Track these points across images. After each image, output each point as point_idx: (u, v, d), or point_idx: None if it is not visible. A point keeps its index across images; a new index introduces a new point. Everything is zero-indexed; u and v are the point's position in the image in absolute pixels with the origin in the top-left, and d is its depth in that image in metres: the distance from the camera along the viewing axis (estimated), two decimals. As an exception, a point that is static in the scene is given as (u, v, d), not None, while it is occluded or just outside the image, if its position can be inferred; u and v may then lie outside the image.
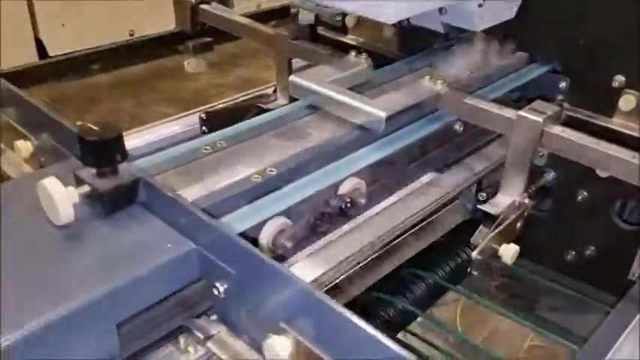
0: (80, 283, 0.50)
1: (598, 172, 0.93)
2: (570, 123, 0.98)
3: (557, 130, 0.72)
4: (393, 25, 1.12)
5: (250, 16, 1.20)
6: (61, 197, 0.54)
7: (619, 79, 0.93)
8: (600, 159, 0.70)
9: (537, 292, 1.12)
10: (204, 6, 1.11)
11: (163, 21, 1.36)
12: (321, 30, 1.28)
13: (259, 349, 0.51)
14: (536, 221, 1.09)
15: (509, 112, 0.74)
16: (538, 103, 0.74)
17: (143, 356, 0.55)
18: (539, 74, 1.00)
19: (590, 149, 0.70)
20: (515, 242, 1.13)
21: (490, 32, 0.99)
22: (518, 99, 1.06)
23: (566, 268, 1.08)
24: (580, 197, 1.02)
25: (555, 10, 0.97)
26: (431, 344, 0.90)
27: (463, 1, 0.87)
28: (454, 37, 1.02)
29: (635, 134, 0.93)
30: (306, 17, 1.33)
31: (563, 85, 1.00)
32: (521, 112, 0.73)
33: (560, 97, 1.01)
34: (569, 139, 0.71)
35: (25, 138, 0.77)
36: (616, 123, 0.95)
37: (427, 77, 0.83)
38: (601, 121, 0.96)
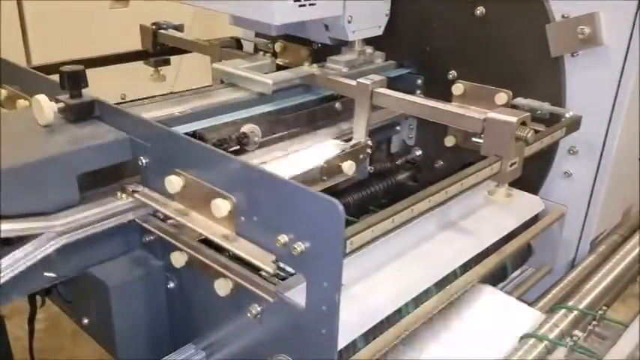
0: (54, 147, 0.83)
1: (445, 142, 1.30)
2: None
3: (382, 90, 1.08)
4: (307, 48, 1.50)
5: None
6: (47, 105, 0.88)
7: (452, 74, 1.31)
8: (405, 105, 1.06)
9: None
10: (162, 31, 1.49)
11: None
12: (257, 56, 1.67)
13: (165, 194, 0.84)
14: (411, 190, 1.45)
15: (353, 82, 1.11)
16: (373, 75, 1.11)
17: (92, 202, 0.87)
18: (402, 74, 1.38)
19: (402, 101, 1.06)
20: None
21: (368, 44, 1.38)
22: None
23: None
24: (437, 165, 1.38)
25: (409, 29, 1.35)
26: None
27: (336, 16, 1.24)
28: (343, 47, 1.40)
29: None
30: (247, 46, 1.73)
31: (419, 82, 1.38)
32: (359, 80, 1.09)
33: (418, 91, 1.38)
34: (389, 95, 1.07)
35: (25, 99, 1.12)
36: (453, 105, 1.32)
37: (307, 64, 1.20)
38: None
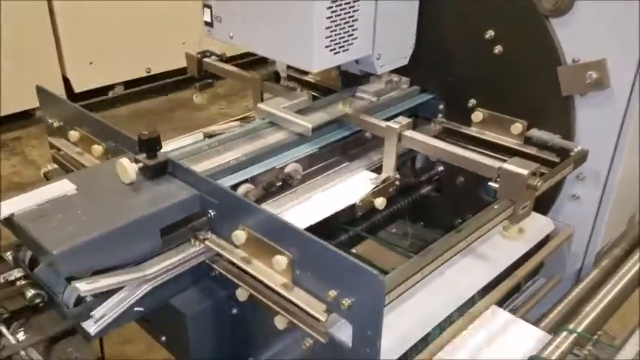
0: (142, 208, 1.01)
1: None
2: (445, 131, 1.51)
3: (408, 133, 1.22)
4: (336, 68, 1.64)
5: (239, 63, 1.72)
6: (130, 167, 1.06)
7: (472, 102, 1.44)
8: (429, 149, 1.21)
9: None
10: (206, 59, 1.64)
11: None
12: (290, 72, 1.81)
13: (230, 241, 1.02)
14: (434, 200, 1.61)
15: (382, 123, 1.26)
16: (400, 118, 1.25)
17: (171, 248, 1.05)
18: (425, 100, 1.52)
19: (427, 145, 1.21)
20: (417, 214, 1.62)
21: (394, 72, 1.52)
22: (416, 115, 1.57)
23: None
24: (458, 181, 1.53)
25: (434, 58, 1.48)
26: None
27: (368, 55, 1.38)
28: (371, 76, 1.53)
29: (482, 136, 1.44)
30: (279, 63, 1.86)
31: (441, 107, 1.51)
32: (388, 123, 1.24)
33: (440, 115, 1.52)
34: (415, 138, 1.22)
35: (98, 144, 1.29)
36: (472, 130, 1.46)
37: (341, 103, 1.35)
38: (463, 129, 1.47)
